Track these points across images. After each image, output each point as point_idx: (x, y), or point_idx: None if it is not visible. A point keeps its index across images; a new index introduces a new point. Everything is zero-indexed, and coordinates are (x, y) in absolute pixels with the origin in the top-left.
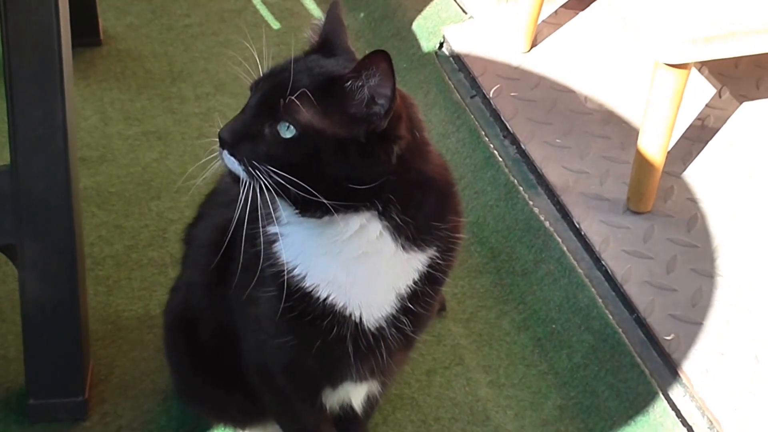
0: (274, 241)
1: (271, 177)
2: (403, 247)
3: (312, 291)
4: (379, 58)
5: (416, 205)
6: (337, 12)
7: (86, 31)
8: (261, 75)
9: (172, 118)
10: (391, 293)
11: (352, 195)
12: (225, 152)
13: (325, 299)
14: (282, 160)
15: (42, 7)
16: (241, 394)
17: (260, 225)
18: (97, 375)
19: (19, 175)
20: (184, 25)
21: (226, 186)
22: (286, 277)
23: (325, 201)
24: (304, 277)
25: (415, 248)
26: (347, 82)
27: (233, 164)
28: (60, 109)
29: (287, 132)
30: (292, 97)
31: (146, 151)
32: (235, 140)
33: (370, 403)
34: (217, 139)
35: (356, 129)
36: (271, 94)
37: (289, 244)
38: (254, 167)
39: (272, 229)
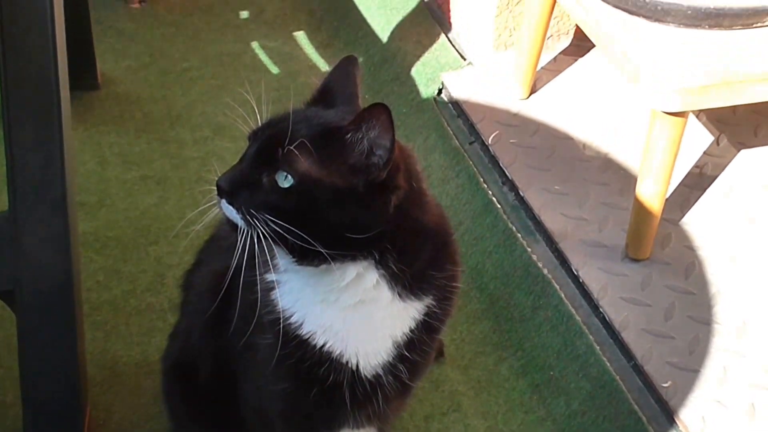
0: (272, 288)
1: (268, 225)
2: (400, 296)
3: (309, 338)
4: (379, 110)
5: (413, 254)
6: (350, 66)
7: (84, 75)
8: (259, 124)
9: (170, 162)
10: (388, 341)
11: (350, 244)
12: (223, 201)
13: (322, 346)
14: (280, 209)
15: (40, 53)
16: None
17: (258, 272)
18: (95, 420)
19: (18, 220)
20: (182, 69)
21: (225, 233)
22: (282, 324)
23: (322, 250)
24: (300, 325)
25: (412, 297)
26: (347, 134)
27: (231, 212)
28: (58, 155)
29: (285, 181)
30: (291, 147)
31: (144, 195)
32: (233, 189)
33: None
34: (215, 187)
35: (355, 179)
36: (270, 143)
37: (286, 292)
38: (252, 216)
39: (270, 276)
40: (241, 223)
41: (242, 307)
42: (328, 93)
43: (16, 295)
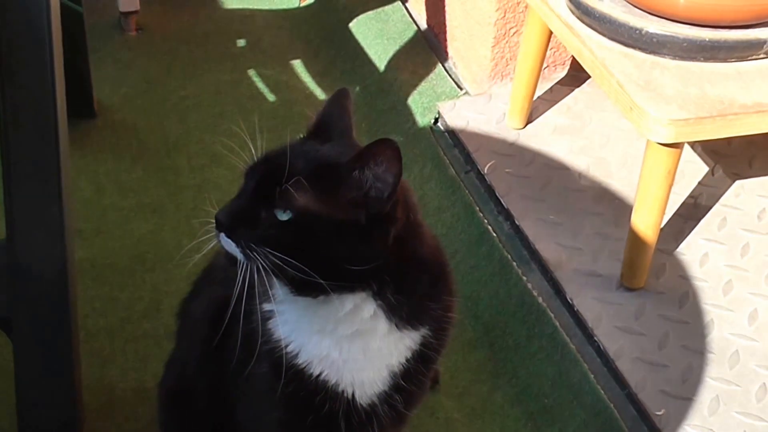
0: (269, 318)
1: (268, 258)
2: (397, 326)
3: (305, 367)
4: (387, 146)
5: (411, 285)
6: (343, 99)
7: (81, 103)
8: (255, 158)
9: (166, 190)
10: (384, 371)
11: (349, 275)
12: (222, 234)
13: (318, 375)
14: (279, 243)
15: (39, 83)
16: None
17: (256, 302)
18: None
19: (16, 248)
20: (179, 97)
21: (221, 262)
22: (279, 353)
23: (321, 281)
24: (297, 354)
25: (409, 327)
26: (352, 170)
27: (230, 246)
28: (56, 184)
29: (284, 215)
30: (288, 185)
31: (141, 223)
32: (232, 224)
33: None
34: (214, 220)
35: (355, 213)
36: (267, 180)
37: (283, 321)
38: (252, 249)
39: (267, 306)
40: (240, 256)
41: (242, 337)
42: (323, 126)
43: (13, 322)
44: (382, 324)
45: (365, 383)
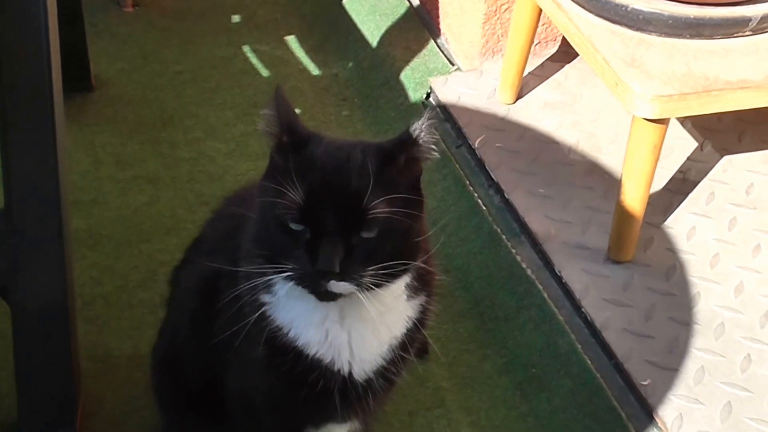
0: (268, 306)
1: (376, 276)
2: (406, 298)
3: (302, 349)
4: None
5: (423, 261)
6: (284, 96)
7: (78, 77)
8: (308, 197)
9: (162, 163)
10: (386, 345)
11: (418, 249)
12: (332, 281)
13: (314, 354)
14: (379, 256)
15: (35, 58)
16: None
17: (246, 284)
18: (87, 410)
19: (13, 217)
20: (175, 72)
21: (210, 233)
22: (277, 337)
23: (413, 264)
24: (297, 338)
25: (414, 297)
26: (400, 154)
27: (342, 287)
28: (52, 155)
29: (372, 233)
30: (372, 211)
31: (137, 194)
32: (342, 269)
33: None
34: (313, 275)
35: (410, 188)
36: (344, 211)
37: (284, 311)
38: (362, 278)
39: (267, 297)
40: (354, 289)
41: (233, 313)
42: (291, 128)
43: (11, 288)
44: (401, 302)
45: (365, 360)
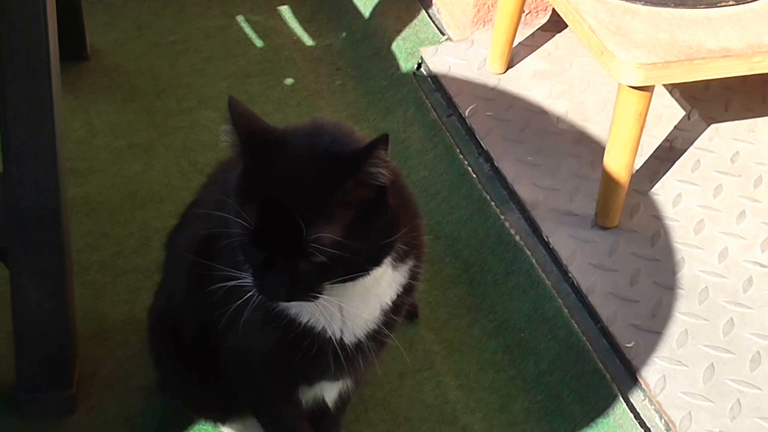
0: None
1: (326, 289)
2: (393, 267)
3: (295, 318)
4: (378, 145)
5: (409, 229)
6: (240, 105)
7: (74, 47)
8: (254, 227)
9: (156, 132)
10: (377, 311)
11: (388, 248)
12: (281, 303)
13: (307, 322)
14: (329, 274)
15: (32, 25)
16: (221, 390)
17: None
18: (84, 372)
19: (12, 181)
20: (169, 42)
21: (205, 197)
22: (270, 306)
23: (373, 268)
24: (288, 307)
25: (401, 263)
26: (347, 181)
27: (297, 304)
28: (50, 121)
29: (319, 259)
30: (312, 245)
31: (132, 162)
32: (287, 296)
33: (342, 399)
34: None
35: (364, 205)
36: (287, 242)
37: None
38: (312, 296)
39: None
40: (305, 304)
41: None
42: (251, 137)
43: (10, 251)
44: (388, 272)
45: (356, 326)
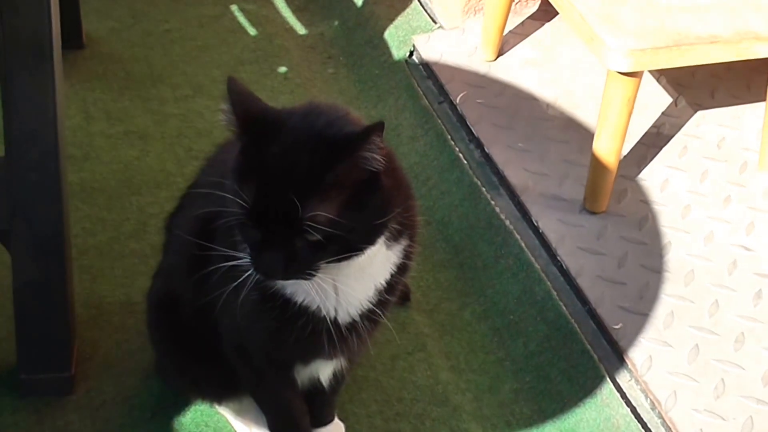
0: None
1: (322, 268)
2: (387, 246)
3: (290, 297)
4: (374, 131)
5: (403, 209)
6: (238, 86)
7: (70, 34)
8: (251, 204)
9: (152, 119)
10: (372, 290)
11: (382, 228)
12: (278, 281)
13: (302, 302)
14: (326, 252)
15: (36, 12)
16: (218, 370)
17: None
18: (82, 354)
19: (13, 165)
20: (163, 30)
21: (203, 179)
22: (266, 284)
23: (368, 247)
24: (284, 287)
25: (395, 243)
26: (341, 164)
27: (293, 283)
28: (52, 105)
29: (314, 237)
30: (307, 223)
31: (128, 149)
32: (284, 274)
33: (337, 378)
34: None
35: (362, 185)
36: (284, 219)
37: None
38: (308, 273)
39: None
40: (302, 281)
41: (223, 259)
42: (253, 121)
43: (11, 234)
44: (382, 252)
45: (351, 305)
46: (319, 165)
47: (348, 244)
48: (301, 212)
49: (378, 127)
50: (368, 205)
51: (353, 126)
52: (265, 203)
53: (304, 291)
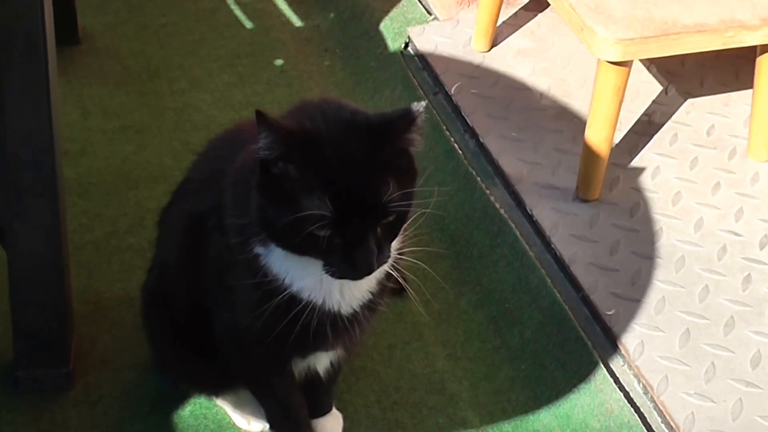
0: (263, 257)
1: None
2: None
3: (297, 294)
4: (411, 114)
5: None
6: (268, 115)
7: (66, 30)
8: (330, 211)
9: (148, 113)
10: (374, 281)
11: (411, 204)
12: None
13: (308, 298)
14: (397, 231)
15: (30, 10)
16: (215, 364)
17: (230, 217)
18: (80, 350)
19: (9, 161)
20: (159, 24)
21: (195, 175)
22: (272, 283)
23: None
24: (291, 285)
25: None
26: (387, 145)
27: (380, 270)
28: (46, 101)
29: (391, 218)
30: (390, 204)
31: (124, 144)
32: (378, 264)
33: (334, 368)
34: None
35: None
36: (370, 210)
37: (280, 260)
38: (389, 256)
39: (261, 249)
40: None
41: (219, 252)
42: (299, 144)
43: (7, 230)
44: None
45: (354, 297)
46: (379, 148)
47: (404, 220)
48: (382, 194)
49: (420, 111)
50: (407, 180)
51: (366, 111)
52: (348, 202)
53: (310, 287)
